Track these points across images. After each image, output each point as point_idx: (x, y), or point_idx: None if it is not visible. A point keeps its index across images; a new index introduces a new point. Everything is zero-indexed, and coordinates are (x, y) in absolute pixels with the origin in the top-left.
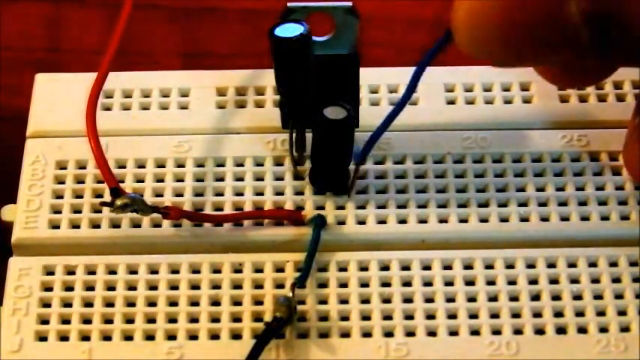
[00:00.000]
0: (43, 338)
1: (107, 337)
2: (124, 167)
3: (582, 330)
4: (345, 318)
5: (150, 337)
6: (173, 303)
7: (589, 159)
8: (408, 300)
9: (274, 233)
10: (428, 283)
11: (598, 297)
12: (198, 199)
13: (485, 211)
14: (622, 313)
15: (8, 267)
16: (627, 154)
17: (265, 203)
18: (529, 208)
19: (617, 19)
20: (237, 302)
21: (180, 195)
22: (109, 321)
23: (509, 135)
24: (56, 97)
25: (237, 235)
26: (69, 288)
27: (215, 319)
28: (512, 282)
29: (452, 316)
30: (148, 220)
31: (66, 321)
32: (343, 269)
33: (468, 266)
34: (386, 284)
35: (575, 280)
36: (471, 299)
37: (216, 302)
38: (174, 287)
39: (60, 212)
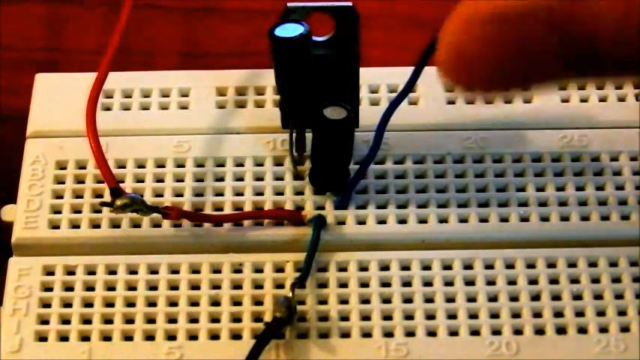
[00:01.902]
0: (43, 338)
1: (107, 338)
2: (124, 167)
3: (582, 330)
4: (344, 318)
5: (150, 337)
6: (173, 303)
7: (589, 159)
8: (407, 300)
9: (274, 233)
10: (428, 283)
11: (598, 297)
12: (198, 199)
13: (485, 211)
14: (622, 313)
15: (8, 267)
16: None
17: (265, 203)
18: (529, 208)
19: (590, 42)
20: (237, 302)
21: (180, 195)
22: (108, 321)
23: (509, 135)
24: (56, 97)
25: (237, 235)
26: (69, 288)
27: (215, 319)
28: (512, 282)
29: (452, 316)
30: (148, 220)
31: (66, 321)
32: (343, 269)
33: (468, 266)
34: (386, 284)
35: (575, 280)
36: (471, 299)
37: (216, 302)
38: (174, 287)
39: (60, 212)
